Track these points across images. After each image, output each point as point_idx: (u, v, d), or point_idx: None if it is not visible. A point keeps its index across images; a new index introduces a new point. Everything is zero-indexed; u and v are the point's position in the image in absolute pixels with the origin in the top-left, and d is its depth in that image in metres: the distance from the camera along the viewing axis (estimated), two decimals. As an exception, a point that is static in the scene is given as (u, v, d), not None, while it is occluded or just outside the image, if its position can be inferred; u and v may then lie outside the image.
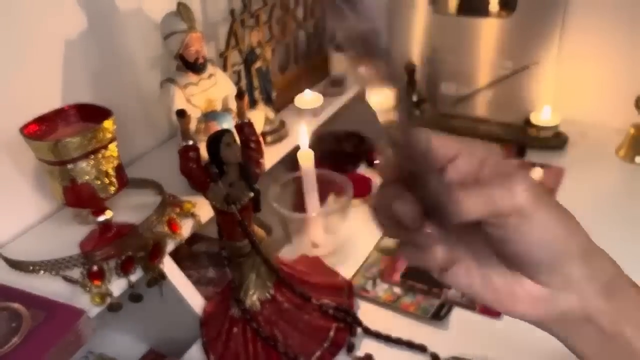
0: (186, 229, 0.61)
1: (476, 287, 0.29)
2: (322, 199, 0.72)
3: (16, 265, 0.54)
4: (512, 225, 0.26)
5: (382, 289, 0.65)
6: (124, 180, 0.55)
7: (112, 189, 0.54)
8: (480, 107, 0.95)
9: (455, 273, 0.29)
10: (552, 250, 0.27)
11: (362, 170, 0.88)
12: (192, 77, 0.65)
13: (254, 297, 0.58)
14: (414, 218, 0.26)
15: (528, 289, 0.28)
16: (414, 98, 0.96)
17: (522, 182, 0.25)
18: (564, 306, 0.28)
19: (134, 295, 0.54)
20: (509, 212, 0.25)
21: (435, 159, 0.27)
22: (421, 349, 0.56)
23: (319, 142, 0.92)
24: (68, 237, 0.58)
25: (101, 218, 0.56)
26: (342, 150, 0.93)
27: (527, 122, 0.90)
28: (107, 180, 0.53)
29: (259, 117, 0.74)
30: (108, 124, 0.52)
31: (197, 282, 0.66)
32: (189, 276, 0.63)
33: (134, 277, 0.54)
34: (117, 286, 0.53)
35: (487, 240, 0.28)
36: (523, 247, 0.26)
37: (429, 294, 0.63)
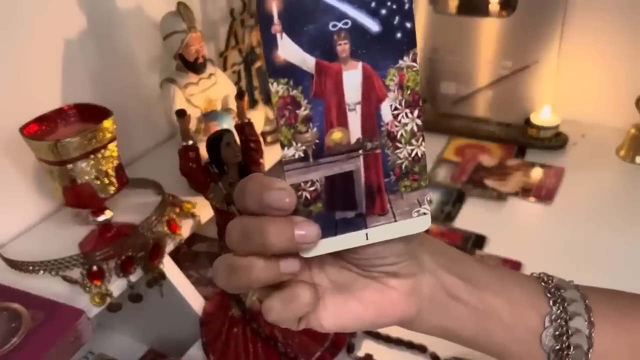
0: (186, 229, 0.61)
1: (355, 313, 0.29)
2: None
3: (16, 265, 0.54)
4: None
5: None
6: (123, 180, 0.55)
7: (112, 189, 0.54)
8: (480, 107, 0.95)
9: (325, 313, 0.29)
10: (395, 243, 0.28)
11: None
12: (192, 77, 0.65)
13: (253, 297, 0.58)
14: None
15: (397, 286, 0.29)
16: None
17: None
18: (428, 289, 0.29)
19: (133, 295, 0.54)
20: None
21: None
22: (421, 349, 0.56)
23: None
24: (68, 237, 0.58)
25: (101, 218, 0.56)
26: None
27: (527, 122, 0.90)
28: (106, 180, 0.53)
29: (259, 117, 0.74)
30: (108, 123, 0.52)
31: (197, 282, 0.66)
32: (188, 276, 0.63)
33: (133, 277, 0.54)
34: (117, 286, 0.53)
35: (342, 257, 0.28)
36: (373, 248, 0.28)
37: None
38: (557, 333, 0.29)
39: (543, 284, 0.31)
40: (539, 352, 0.30)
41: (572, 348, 0.29)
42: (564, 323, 0.29)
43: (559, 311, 0.30)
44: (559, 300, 0.30)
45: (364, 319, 0.29)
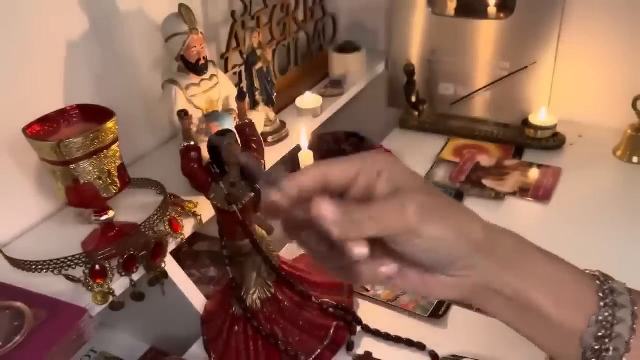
0: (187, 228, 0.61)
1: (394, 284, 0.32)
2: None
3: (19, 264, 0.54)
4: (404, 240, 0.28)
5: (381, 288, 0.65)
6: (126, 180, 0.56)
7: (114, 188, 0.54)
8: (479, 107, 0.96)
9: (394, 281, 0.31)
10: (444, 255, 0.30)
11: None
12: (193, 78, 0.65)
13: (254, 296, 0.58)
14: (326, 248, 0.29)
15: (439, 279, 0.31)
16: (413, 99, 0.97)
17: (410, 203, 0.28)
18: (471, 286, 0.31)
19: (135, 294, 0.55)
20: (399, 232, 0.28)
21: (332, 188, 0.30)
22: (420, 347, 0.57)
23: (319, 142, 0.92)
24: (70, 236, 0.58)
25: (103, 218, 0.56)
26: (342, 150, 0.93)
27: (525, 123, 0.91)
28: (109, 180, 0.54)
29: (259, 117, 0.75)
30: (110, 124, 0.52)
31: (199, 281, 0.66)
32: (190, 275, 0.63)
33: (135, 276, 0.54)
34: (119, 285, 0.53)
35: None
36: (418, 256, 0.29)
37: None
38: (599, 334, 0.30)
39: (598, 282, 0.32)
40: (576, 347, 0.31)
41: (610, 350, 0.30)
42: (609, 327, 0.30)
43: (606, 314, 0.30)
44: (610, 304, 0.31)
45: (401, 290, 0.31)
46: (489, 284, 0.31)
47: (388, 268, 0.30)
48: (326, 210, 0.27)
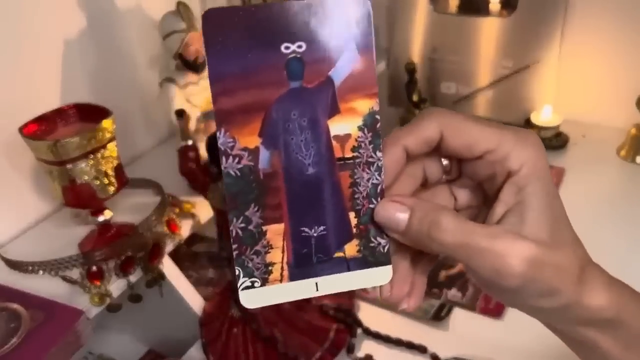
0: (186, 229, 0.61)
1: None
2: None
3: (15, 265, 0.54)
4: (486, 286, 0.26)
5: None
6: (123, 180, 0.55)
7: (112, 189, 0.54)
8: (481, 106, 0.95)
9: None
10: (549, 303, 0.26)
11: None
12: (191, 77, 0.65)
13: (253, 298, 0.58)
14: None
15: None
16: (414, 98, 0.96)
17: (516, 261, 0.23)
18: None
19: (133, 295, 0.54)
20: (485, 280, 0.24)
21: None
22: (421, 349, 0.56)
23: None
24: (67, 237, 0.58)
25: (100, 218, 0.56)
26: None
27: (528, 122, 0.90)
28: (106, 180, 0.53)
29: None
30: (107, 123, 0.52)
31: (197, 283, 0.66)
32: (188, 276, 0.63)
33: (133, 278, 0.54)
34: (117, 286, 0.53)
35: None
36: (518, 305, 0.27)
37: (429, 294, 0.63)
38: None
39: None
40: None
41: None
42: None
43: None
44: None
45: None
46: (555, 325, 0.27)
47: (408, 305, 0.26)
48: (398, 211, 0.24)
